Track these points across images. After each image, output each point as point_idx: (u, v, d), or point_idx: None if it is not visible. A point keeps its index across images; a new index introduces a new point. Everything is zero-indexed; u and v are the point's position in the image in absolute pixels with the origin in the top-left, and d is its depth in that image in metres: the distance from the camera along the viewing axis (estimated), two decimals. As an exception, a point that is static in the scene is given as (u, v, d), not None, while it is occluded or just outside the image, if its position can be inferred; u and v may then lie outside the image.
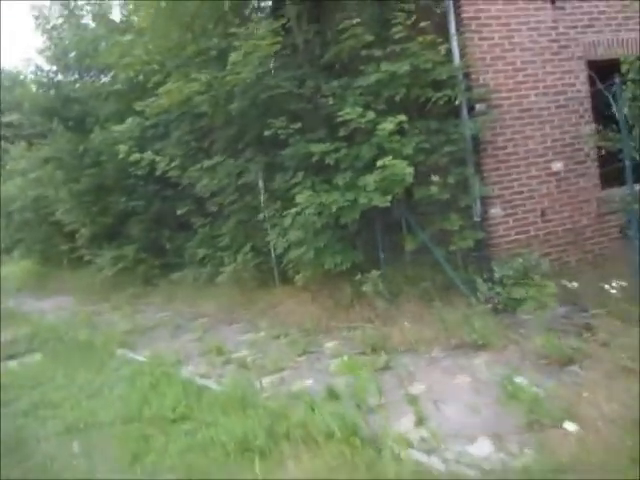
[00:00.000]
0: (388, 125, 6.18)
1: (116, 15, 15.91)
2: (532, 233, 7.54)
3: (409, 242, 7.31)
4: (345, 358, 5.88)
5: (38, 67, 15.00)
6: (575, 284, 6.46)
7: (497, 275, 6.82)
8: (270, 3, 10.44)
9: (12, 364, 7.65)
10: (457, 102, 6.93)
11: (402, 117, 6.33)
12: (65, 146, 13.09)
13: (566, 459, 3.35)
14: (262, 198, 9.28)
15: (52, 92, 14.16)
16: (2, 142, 20.66)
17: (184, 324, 8.85)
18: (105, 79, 14.55)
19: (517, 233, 7.41)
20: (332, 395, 4.91)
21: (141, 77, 11.36)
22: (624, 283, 5.80)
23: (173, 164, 9.59)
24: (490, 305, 6.43)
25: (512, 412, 4.05)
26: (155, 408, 5.16)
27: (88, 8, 15.78)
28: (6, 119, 19.53)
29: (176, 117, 9.98)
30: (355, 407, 4.56)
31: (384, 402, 4.61)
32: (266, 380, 5.71)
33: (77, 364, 7.21)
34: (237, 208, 9.83)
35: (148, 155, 9.64)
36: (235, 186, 9.20)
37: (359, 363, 5.70)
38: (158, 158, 9.55)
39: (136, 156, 9.65)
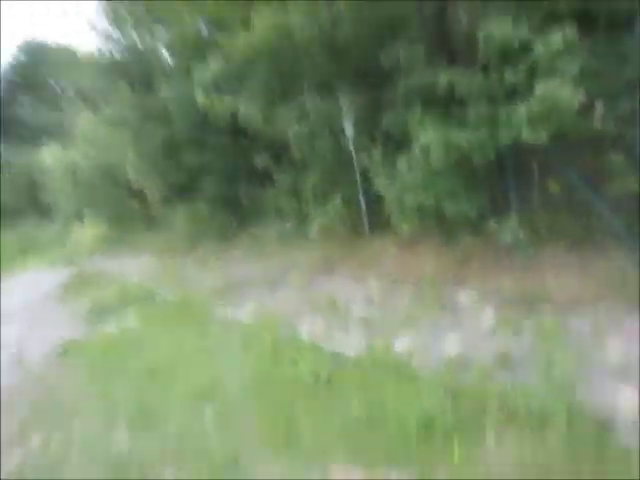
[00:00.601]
0: (555, 39, 4.99)
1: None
2: None
3: (554, 185, 6.24)
4: (494, 314, 5.08)
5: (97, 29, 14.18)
6: None
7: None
8: None
9: (108, 328, 7.19)
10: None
11: (571, 31, 5.08)
12: (130, 105, 12.44)
13: None
14: (352, 142, 8.39)
15: (113, 52, 13.43)
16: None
17: (279, 278, 8.19)
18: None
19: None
20: (505, 361, 4.11)
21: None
22: None
23: (256, 109, 8.72)
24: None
25: None
26: (290, 374, 4.50)
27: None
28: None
29: (260, 57, 9.01)
30: (548, 376, 3.76)
31: (587, 372, 3.74)
32: (404, 341, 4.95)
33: (176, 327, 6.70)
34: (324, 155, 8.96)
35: (228, 100, 8.80)
36: (328, 130, 8.28)
37: (518, 320, 4.87)
38: (240, 102, 8.70)
39: (216, 101, 8.82)
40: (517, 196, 6.64)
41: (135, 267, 10.71)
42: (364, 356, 4.60)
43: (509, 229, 6.22)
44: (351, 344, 5.10)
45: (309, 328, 5.78)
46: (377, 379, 4.17)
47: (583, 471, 2.70)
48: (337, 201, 8.73)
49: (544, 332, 4.59)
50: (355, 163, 8.46)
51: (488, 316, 5.22)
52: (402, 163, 6.54)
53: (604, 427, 3.03)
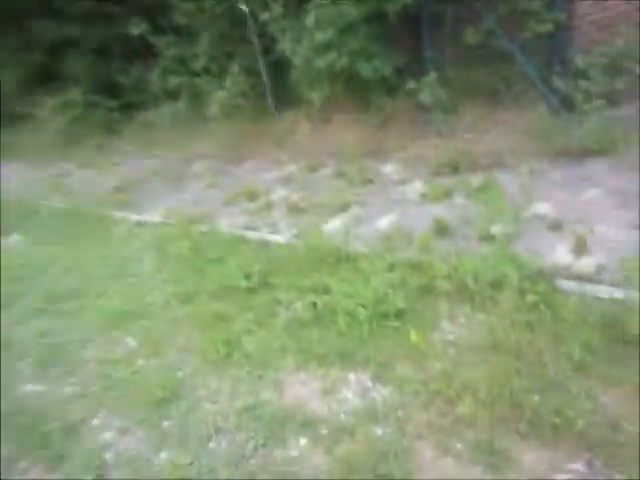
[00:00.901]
0: None
1: None
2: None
3: (471, 35, 5.76)
4: (423, 183, 4.86)
5: None
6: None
7: (581, 65, 5.55)
8: None
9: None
10: None
11: None
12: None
13: None
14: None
15: None
16: None
17: (183, 171, 7.34)
18: None
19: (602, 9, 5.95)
20: (442, 229, 3.95)
21: None
22: None
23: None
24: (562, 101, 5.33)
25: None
26: (218, 279, 4.04)
27: None
28: None
29: None
30: (487, 238, 3.66)
31: (515, 230, 3.67)
32: (336, 223, 4.64)
33: (73, 240, 5.79)
34: (213, 17, 7.67)
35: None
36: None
37: (448, 186, 4.69)
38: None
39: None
40: (434, 52, 6.15)
41: (5, 179, 9.06)
42: (296, 244, 4.21)
43: (428, 88, 5.80)
44: (279, 232, 4.70)
45: (230, 221, 5.24)
46: (314, 267, 3.84)
47: (538, 337, 2.63)
48: (235, 71, 7.66)
49: (475, 195, 4.47)
50: (251, 23, 7.31)
51: (416, 186, 5.00)
52: (310, 18, 5.66)
53: (553, 285, 2.97)
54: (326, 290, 3.43)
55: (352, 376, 2.77)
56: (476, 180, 4.66)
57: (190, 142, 8.20)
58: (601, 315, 2.56)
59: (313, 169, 6.11)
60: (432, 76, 5.81)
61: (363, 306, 3.12)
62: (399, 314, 3.03)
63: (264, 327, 3.32)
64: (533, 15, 5.43)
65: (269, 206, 5.39)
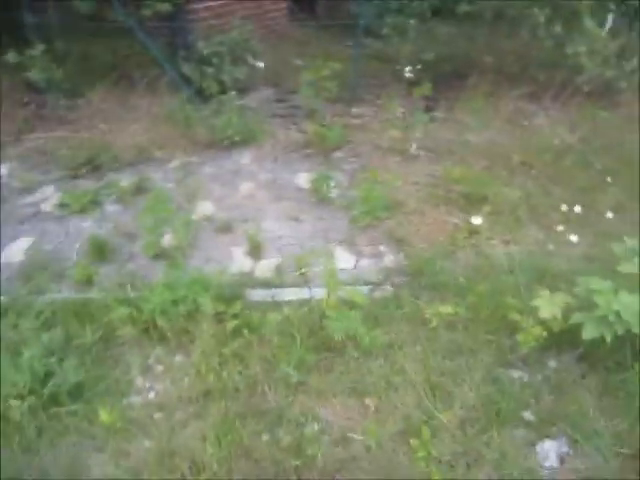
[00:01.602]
0: None
1: None
2: None
3: (83, 2, 4.83)
4: (57, 189, 3.92)
5: None
6: (261, 64, 5.85)
7: (205, 52, 5.51)
8: None
9: None
10: None
11: None
12: None
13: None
14: None
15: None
16: None
17: None
18: None
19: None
20: (100, 250, 3.24)
21: None
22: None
23: None
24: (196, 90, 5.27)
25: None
26: None
27: None
28: None
29: None
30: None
31: (187, 240, 3.33)
32: None
33: None
34: None
35: None
36: None
37: (91, 190, 3.91)
38: None
39: None
40: (36, 19, 4.92)
41: None
42: None
43: (38, 62, 4.65)
44: None
45: None
46: None
47: (250, 367, 2.43)
48: None
49: (129, 199, 3.84)
50: None
51: (48, 193, 3.99)
52: None
53: (246, 302, 2.81)
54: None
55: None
56: (125, 180, 4.03)
57: None
58: (300, 324, 2.54)
59: None
60: (39, 47, 4.67)
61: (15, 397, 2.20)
62: (74, 392, 2.27)
63: None
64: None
65: None
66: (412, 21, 5.43)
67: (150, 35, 5.30)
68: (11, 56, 4.61)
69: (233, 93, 4.85)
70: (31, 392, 2.21)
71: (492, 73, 5.03)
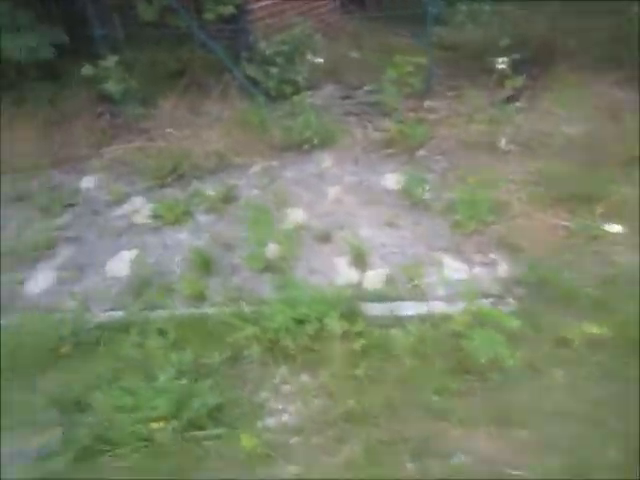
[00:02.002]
0: None
1: None
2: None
3: (146, 10, 4.81)
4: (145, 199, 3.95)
5: None
6: (321, 60, 5.68)
7: (267, 52, 5.43)
8: None
9: None
10: None
11: None
12: None
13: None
14: None
15: None
16: None
17: None
18: None
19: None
20: (204, 264, 3.22)
21: None
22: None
23: None
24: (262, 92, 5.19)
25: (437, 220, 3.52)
26: None
27: None
28: None
29: None
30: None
31: (291, 250, 3.28)
32: (42, 277, 3.28)
33: None
34: None
35: None
36: None
37: (180, 200, 3.90)
38: None
39: None
40: (104, 30, 4.93)
41: None
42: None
43: (113, 74, 4.67)
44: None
45: None
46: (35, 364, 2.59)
47: (387, 389, 2.36)
48: None
49: (219, 208, 3.83)
50: None
51: (137, 204, 4.00)
52: None
53: (367, 318, 2.73)
54: (82, 406, 2.32)
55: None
56: (211, 189, 4.01)
57: None
58: (432, 343, 2.44)
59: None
60: (112, 59, 4.69)
61: (157, 420, 2.20)
62: (213, 415, 2.25)
63: None
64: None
65: None
66: (487, 6, 5.19)
67: (212, 39, 5.25)
68: (86, 69, 4.64)
69: (309, 93, 4.75)
70: (171, 415, 2.21)
71: (578, 57, 4.75)
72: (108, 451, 2.16)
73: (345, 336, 2.51)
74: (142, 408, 2.20)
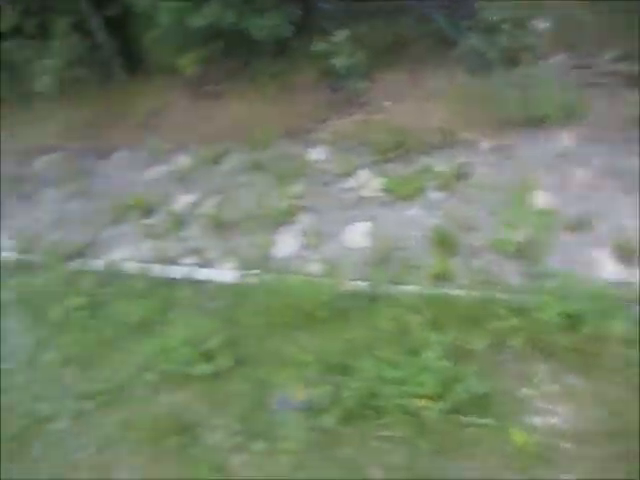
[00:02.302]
0: None
1: None
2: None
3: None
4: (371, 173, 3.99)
5: None
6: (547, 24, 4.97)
7: (493, 19, 5.01)
8: None
9: None
10: None
11: None
12: None
13: None
14: None
15: None
16: None
17: (22, 172, 5.22)
18: None
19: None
20: (444, 242, 3.13)
21: None
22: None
23: None
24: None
25: None
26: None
27: None
28: None
29: None
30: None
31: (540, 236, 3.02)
32: (286, 242, 3.55)
33: None
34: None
35: None
36: None
37: (409, 176, 3.85)
38: None
39: None
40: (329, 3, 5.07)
41: None
42: (255, 284, 3.05)
43: (342, 50, 4.76)
44: (213, 264, 3.44)
45: (128, 251, 3.79)
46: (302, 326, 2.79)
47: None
48: (64, 30, 5.64)
49: (452, 186, 3.71)
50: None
51: (363, 178, 4.06)
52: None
53: None
54: (345, 370, 2.42)
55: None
56: (439, 165, 3.89)
57: (19, 130, 5.93)
58: None
59: (213, 160, 4.72)
60: (342, 34, 4.76)
61: (424, 398, 2.19)
62: (478, 402, 2.18)
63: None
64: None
65: (178, 221, 3.98)
66: None
67: (430, 9, 5.03)
68: (318, 45, 4.79)
69: (550, 62, 4.30)
70: (437, 395, 2.19)
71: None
72: (373, 418, 2.23)
73: (626, 342, 2.22)
74: (408, 382, 2.22)
